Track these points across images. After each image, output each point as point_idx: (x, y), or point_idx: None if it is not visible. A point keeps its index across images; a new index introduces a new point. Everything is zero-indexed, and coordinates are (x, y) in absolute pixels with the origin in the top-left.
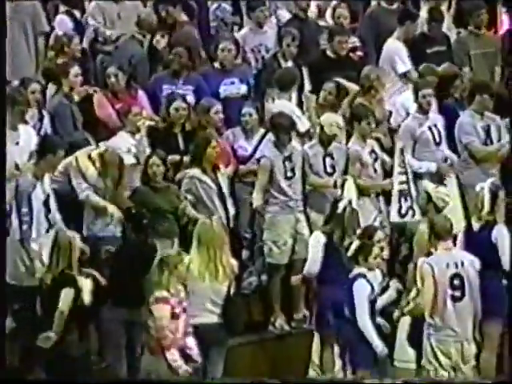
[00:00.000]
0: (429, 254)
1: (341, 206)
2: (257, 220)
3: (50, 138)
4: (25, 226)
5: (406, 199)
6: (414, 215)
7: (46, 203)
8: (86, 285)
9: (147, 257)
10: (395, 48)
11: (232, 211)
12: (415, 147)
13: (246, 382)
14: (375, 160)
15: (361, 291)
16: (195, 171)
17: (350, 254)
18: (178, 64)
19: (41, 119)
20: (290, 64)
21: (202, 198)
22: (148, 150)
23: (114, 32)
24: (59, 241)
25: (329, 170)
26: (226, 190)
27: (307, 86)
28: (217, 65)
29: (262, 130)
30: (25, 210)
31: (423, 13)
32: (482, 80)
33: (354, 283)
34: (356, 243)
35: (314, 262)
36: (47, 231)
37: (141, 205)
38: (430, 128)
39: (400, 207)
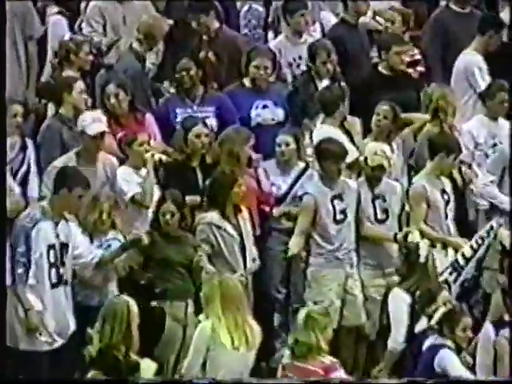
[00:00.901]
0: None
1: (423, 253)
2: (293, 276)
3: (65, 170)
4: (20, 270)
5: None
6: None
7: (57, 251)
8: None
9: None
10: (475, 62)
11: (256, 265)
12: (503, 181)
13: (246, 382)
14: (447, 203)
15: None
16: (213, 216)
17: (433, 321)
18: (189, 80)
19: (23, 148)
20: (326, 83)
21: (221, 249)
22: (157, 191)
23: (106, 39)
24: (115, 307)
25: (380, 215)
26: (250, 239)
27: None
28: (247, 82)
29: (302, 164)
30: (21, 249)
31: (505, 17)
32: None
33: (440, 355)
34: (443, 309)
35: (399, 331)
36: (54, 286)
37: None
38: None
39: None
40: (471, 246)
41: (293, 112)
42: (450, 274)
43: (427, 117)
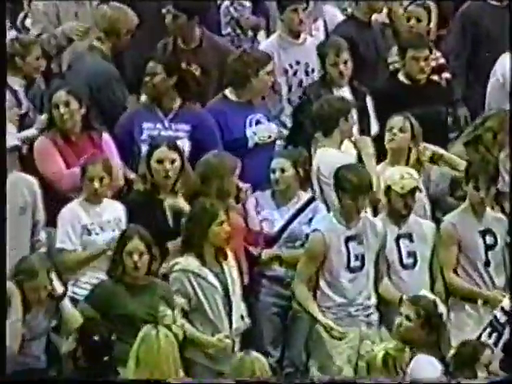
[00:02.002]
0: None
1: (442, 310)
2: (291, 335)
3: None
4: None
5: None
6: None
7: None
8: None
9: None
10: None
11: (245, 323)
12: None
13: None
14: (490, 248)
15: None
16: (190, 261)
17: None
18: (154, 89)
19: None
20: (344, 93)
21: (200, 303)
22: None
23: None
24: None
25: (406, 260)
26: (236, 289)
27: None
28: (230, 94)
29: (304, 195)
30: None
31: None
32: None
33: None
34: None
35: None
36: None
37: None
38: None
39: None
40: None
41: (295, 130)
42: (490, 335)
43: (464, 164)
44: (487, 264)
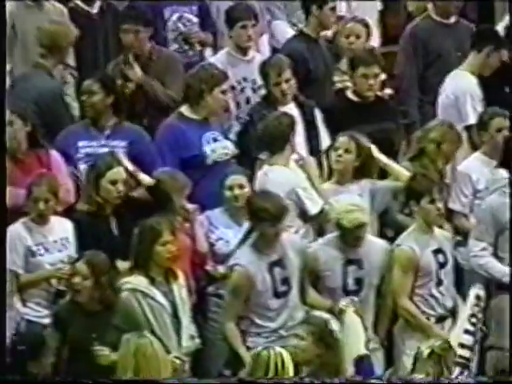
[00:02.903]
0: None
1: (334, 328)
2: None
3: None
4: None
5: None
6: None
7: None
8: None
9: None
10: (468, 87)
11: (195, 343)
12: (498, 241)
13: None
14: (442, 266)
15: None
16: (138, 280)
17: None
18: (91, 108)
19: None
20: (290, 110)
21: (149, 322)
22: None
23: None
24: None
25: (351, 286)
26: (186, 309)
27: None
28: (185, 110)
29: None
30: None
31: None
32: None
33: None
34: None
35: None
36: None
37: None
38: None
39: None
40: (467, 331)
41: (247, 148)
42: (461, 373)
43: (407, 175)
44: (439, 284)
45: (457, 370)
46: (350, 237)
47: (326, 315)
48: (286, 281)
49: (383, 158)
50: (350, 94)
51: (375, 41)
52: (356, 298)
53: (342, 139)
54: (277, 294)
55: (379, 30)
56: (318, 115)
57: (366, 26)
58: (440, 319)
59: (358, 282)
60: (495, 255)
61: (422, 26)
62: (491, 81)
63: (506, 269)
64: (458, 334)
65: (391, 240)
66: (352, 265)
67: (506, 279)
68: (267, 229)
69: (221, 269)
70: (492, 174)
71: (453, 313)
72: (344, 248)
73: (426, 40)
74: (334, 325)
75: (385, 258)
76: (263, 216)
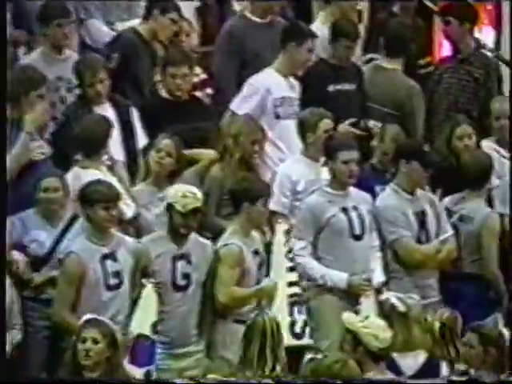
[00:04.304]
0: None
1: None
2: None
3: None
4: None
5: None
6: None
7: None
8: None
9: None
10: (271, 81)
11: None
12: (318, 241)
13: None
14: (260, 266)
15: None
16: None
17: None
18: None
19: None
20: (105, 110)
21: None
22: None
23: None
24: None
25: (180, 281)
26: None
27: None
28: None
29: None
30: None
31: (318, 27)
32: (411, 140)
33: None
34: None
35: None
36: None
37: None
38: (345, 210)
39: (293, 323)
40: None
41: (62, 149)
42: None
43: (212, 153)
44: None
45: None
46: (181, 224)
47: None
48: (117, 274)
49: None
50: (164, 93)
51: (194, 40)
52: None
53: (166, 142)
54: (108, 286)
55: (199, 29)
56: (135, 114)
57: (191, 24)
58: None
59: (186, 277)
60: (314, 255)
61: (238, 25)
62: (311, 80)
63: (324, 270)
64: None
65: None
66: (181, 260)
67: (324, 281)
68: (99, 212)
69: (39, 276)
70: (315, 175)
71: None
72: (173, 243)
73: (243, 39)
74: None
75: (211, 256)
76: (95, 198)
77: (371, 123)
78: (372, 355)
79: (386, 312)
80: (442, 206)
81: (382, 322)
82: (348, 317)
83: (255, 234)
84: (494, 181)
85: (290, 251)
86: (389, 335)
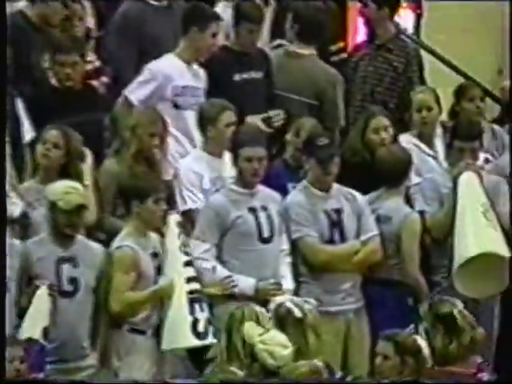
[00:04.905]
0: None
1: None
2: None
3: None
4: None
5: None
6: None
7: None
8: None
9: None
10: (172, 68)
11: None
12: (223, 243)
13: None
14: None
15: None
16: None
17: None
18: None
19: None
20: None
21: None
22: None
23: None
24: None
25: (66, 286)
26: None
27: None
28: None
29: None
30: None
31: (223, 10)
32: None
33: None
34: None
35: None
36: None
37: None
38: (253, 211)
39: (195, 322)
40: None
41: None
42: None
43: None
44: None
45: None
46: (66, 223)
47: None
48: (74, 281)
49: None
50: (54, 82)
51: (90, 24)
52: None
53: (52, 132)
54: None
55: (95, 13)
56: (20, 104)
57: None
58: None
59: (73, 281)
60: (219, 258)
61: (134, 8)
62: (214, 68)
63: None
64: None
65: (104, 243)
66: (65, 263)
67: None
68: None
69: None
70: (218, 172)
71: None
72: (56, 244)
73: (139, 23)
74: None
75: (101, 259)
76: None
77: (271, 113)
78: (266, 372)
79: (281, 317)
80: (364, 202)
81: (282, 337)
82: (248, 328)
83: (153, 234)
84: (414, 178)
85: (184, 245)
86: (287, 352)
